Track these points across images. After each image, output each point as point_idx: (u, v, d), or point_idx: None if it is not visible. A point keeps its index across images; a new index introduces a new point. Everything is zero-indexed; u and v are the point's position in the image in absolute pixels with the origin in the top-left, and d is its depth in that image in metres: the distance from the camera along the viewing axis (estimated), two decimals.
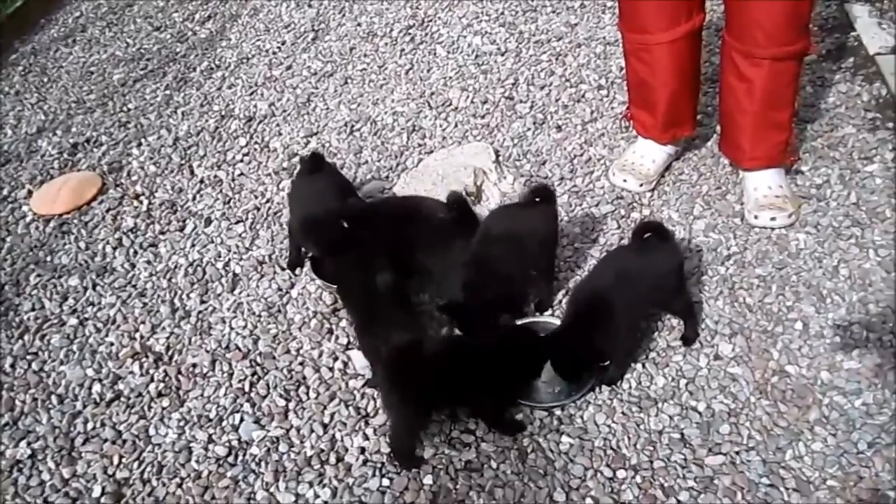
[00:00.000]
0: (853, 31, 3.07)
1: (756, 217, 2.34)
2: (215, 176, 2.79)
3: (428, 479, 1.82)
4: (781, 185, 2.38)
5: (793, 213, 2.34)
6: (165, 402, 2.05)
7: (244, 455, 1.92)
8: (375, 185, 2.65)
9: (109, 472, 1.91)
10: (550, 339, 1.95)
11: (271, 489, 1.84)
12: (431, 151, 2.78)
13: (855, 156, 2.53)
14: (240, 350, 2.16)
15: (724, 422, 1.88)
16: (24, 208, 2.73)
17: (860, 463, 1.77)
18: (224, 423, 1.99)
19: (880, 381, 1.92)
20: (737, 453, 1.81)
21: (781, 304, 2.13)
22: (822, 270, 2.20)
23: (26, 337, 2.25)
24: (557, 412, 1.94)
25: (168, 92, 3.26)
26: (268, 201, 2.65)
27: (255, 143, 2.93)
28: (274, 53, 3.44)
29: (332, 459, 1.88)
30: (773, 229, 2.33)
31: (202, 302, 2.32)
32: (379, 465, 1.86)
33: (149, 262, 2.47)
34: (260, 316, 2.25)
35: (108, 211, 2.68)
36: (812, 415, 1.87)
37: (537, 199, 2.10)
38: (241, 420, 1.99)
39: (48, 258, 2.51)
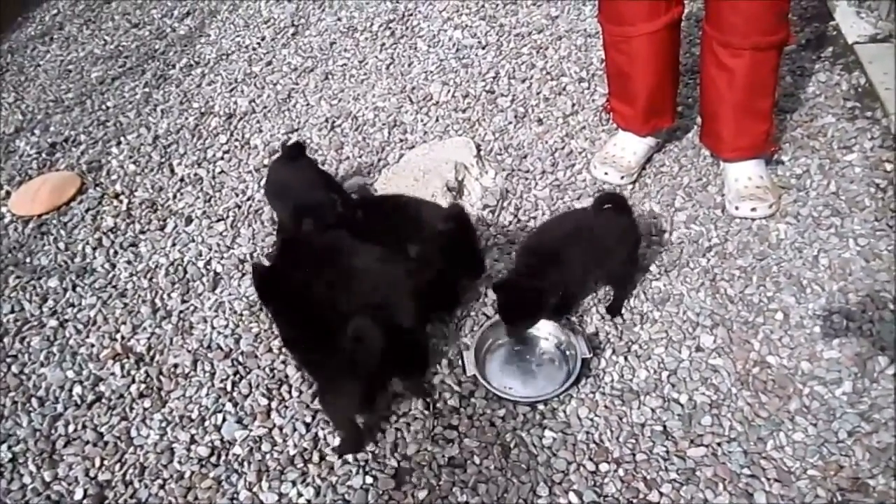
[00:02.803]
0: (832, 20, 3.08)
1: (737, 208, 2.35)
2: (195, 174, 2.77)
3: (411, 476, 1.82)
4: (762, 176, 2.39)
5: (773, 203, 2.34)
6: (147, 403, 2.04)
7: (227, 455, 1.91)
8: (357, 181, 2.64)
9: (91, 474, 1.90)
10: (500, 286, 2.01)
11: (254, 489, 1.83)
12: (413, 146, 2.76)
13: (834, 145, 2.54)
14: (221, 349, 2.15)
15: (705, 413, 1.89)
16: (3, 209, 2.70)
17: (841, 452, 1.78)
18: (206, 424, 1.98)
19: (860, 369, 1.93)
20: (718, 444, 1.82)
21: (762, 294, 2.14)
22: (802, 260, 2.21)
23: (6, 339, 2.24)
24: (540, 406, 1.94)
25: (147, 90, 3.23)
26: (249, 199, 2.63)
27: (236, 140, 2.91)
28: (254, 49, 3.42)
29: (316, 458, 1.88)
30: (753, 220, 2.33)
31: (183, 301, 2.30)
32: (362, 463, 1.86)
33: (129, 262, 2.45)
34: (241, 315, 2.24)
35: (87, 211, 2.65)
36: (793, 405, 1.88)
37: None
38: (224, 420, 1.98)
39: (27, 259, 2.49)
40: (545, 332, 2.08)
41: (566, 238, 2.03)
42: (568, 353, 2.03)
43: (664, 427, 1.87)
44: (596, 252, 2.03)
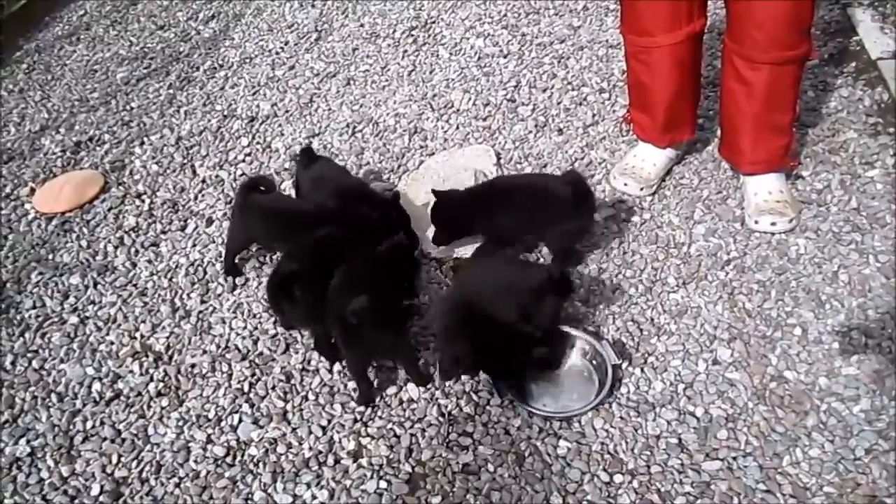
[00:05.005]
0: (855, 35, 3.07)
1: (756, 222, 2.34)
2: (217, 176, 2.79)
3: (425, 482, 1.83)
4: (782, 190, 2.38)
5: (793, 218, 2.33)
6: (165, 402, 2.06)
7: (242, 455, 1.92)
8: (377, 187, 2.65)
9: (108, 470, 1.92)
10: None
11: (269, 490, 1.84)
12: (433, 153, 2.78)
13: (856, 161, 2.53)
14: (239, 350, 2.17)
15: (721, 427, 1.88)
16: (27, 206, 2.74)
17: (857, 469, 1.77)
18: (223, 424, 1.99)
19: (878, 387, 1.92)
20: (734, 459, 1.82)
21: (780, 309, 2.13)
22: (821, 276, 2.20)
23: (27, 335, 2.26)
24: None
25: (171, 91, 3.27)
26: None
27: (258, 143, 2.94)
28: (277, 53, 3.45)
29: (331, 461, 1.89)
30: (773, 234, 2.33)
31: (202, 302, 2.32)
32: (377, 468, 1.86)
33: (150, 262, 2.47)
34: (260, 317, 2.25)
35: (109, 210, 2.68)
36: (810, 421, 1.87)
37: None
38: (240, 420, 1.99)
39: (50, 256, 2.52)
40: (569, 344, 2.07)
41: None
42: (594, 361, 2.03)
43: (679, 440, 1.87)
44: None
